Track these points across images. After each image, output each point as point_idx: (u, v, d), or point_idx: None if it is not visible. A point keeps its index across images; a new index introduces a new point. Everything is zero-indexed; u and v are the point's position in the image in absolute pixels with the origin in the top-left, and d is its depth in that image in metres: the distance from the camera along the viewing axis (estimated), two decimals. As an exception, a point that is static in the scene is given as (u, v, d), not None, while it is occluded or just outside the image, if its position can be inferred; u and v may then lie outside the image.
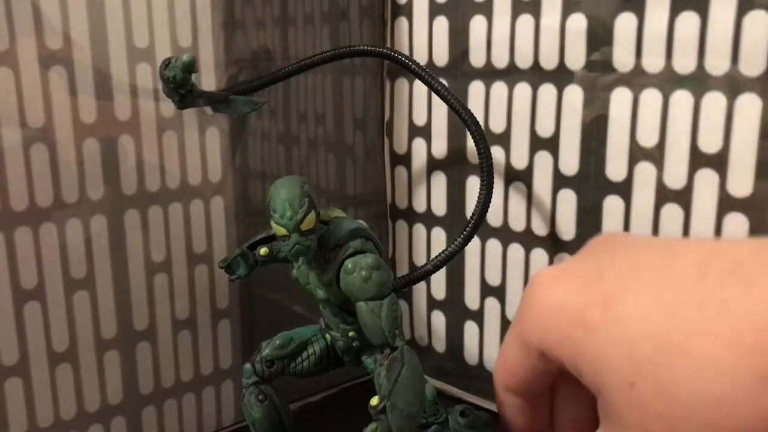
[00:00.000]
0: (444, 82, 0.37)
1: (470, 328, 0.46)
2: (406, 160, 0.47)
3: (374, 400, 0.29)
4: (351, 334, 0.32)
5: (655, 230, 0.36)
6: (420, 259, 0.48)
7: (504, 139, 0.41)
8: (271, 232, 0.31)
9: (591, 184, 0.38)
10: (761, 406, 0.20)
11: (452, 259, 0.35)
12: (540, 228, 0.41)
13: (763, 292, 0.20)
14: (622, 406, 0.23)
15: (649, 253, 0.25)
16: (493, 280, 0.44)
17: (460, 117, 0.35)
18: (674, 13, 0.34)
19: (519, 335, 0.27)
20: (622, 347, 0.23)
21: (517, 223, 0.42)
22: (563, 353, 0.25)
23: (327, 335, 0.34)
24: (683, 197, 0.35)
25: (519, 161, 0.41)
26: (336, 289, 0.30)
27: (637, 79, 0.36)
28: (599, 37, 0.36)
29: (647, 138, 0.36)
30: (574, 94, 0.38)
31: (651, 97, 0.35)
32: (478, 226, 0.35)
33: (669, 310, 0.22)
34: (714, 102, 0.33)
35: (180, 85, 0.31)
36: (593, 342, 0.24)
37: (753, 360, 0.20)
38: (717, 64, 0.33)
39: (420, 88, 0.45)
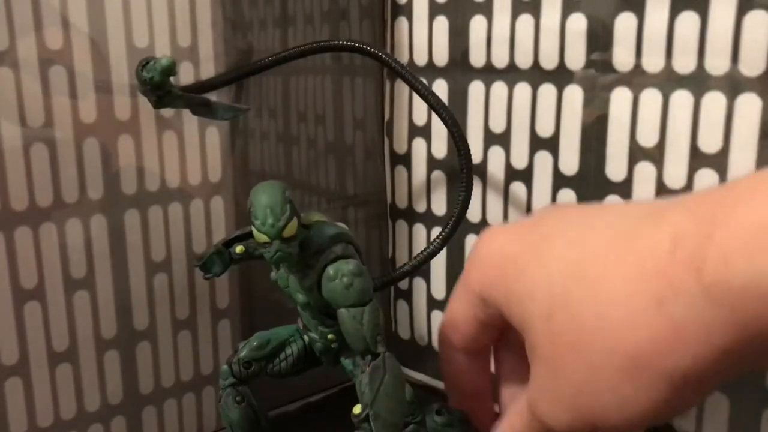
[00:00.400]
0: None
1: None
2: (406, 160, 0.47)
3: (357, 409, 0.29)
4: (330, 336, 0.32)
5: (655, 230, 0.36)
6: (420, 259, 0.48)
7: (504, 139, 0.41)
8: (247, 229, 0.31)
9: (591, 184, 0.38)
10: (655, 329, 0.21)
11: (431, 259, 0.35)
12: (540, 228, 0.41)
13: (670, 228, 0.22)
14: (540, 338, 0.25)
15: (580, 207, 0.28)
16: (493, 280, 0.44)
17: (440, 116, 0.35)
18: (674, 13, 0.34)
19: (463, 285, 0.29)
20: (543, 282, 0.25)
21: (517, 223, 0.42)
22: (497, 295, 0.27)
23: (305, 336, 0.34)
24: (683, 197, 0.35)
25: (519, 161, 0.41)
26: (317, 294, 0.30)
27: (637, 79, 0.36)
28: (599, 37, 0.36)
29: (647, 138, 0.36)
30: (574, 94, 0.38)
31: (651, 97, 0.35)
32: (457, 226, 0.35)
33: (587, 248, 0.24)
34: (714, 102, 0.33)
35: (157, 87, 0.31)
36: (521, 281, 0.26)
37: (651, 285, 0.22)
38: (717, 64, 0.33)
39: (420, 88, 0.45)
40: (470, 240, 0.44)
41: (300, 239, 0.29)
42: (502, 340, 0.31)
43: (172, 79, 0.32)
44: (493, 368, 0.32)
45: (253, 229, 0.28)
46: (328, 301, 0.30)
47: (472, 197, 0.44)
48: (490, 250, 0.28)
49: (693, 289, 0.21)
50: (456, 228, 0.35)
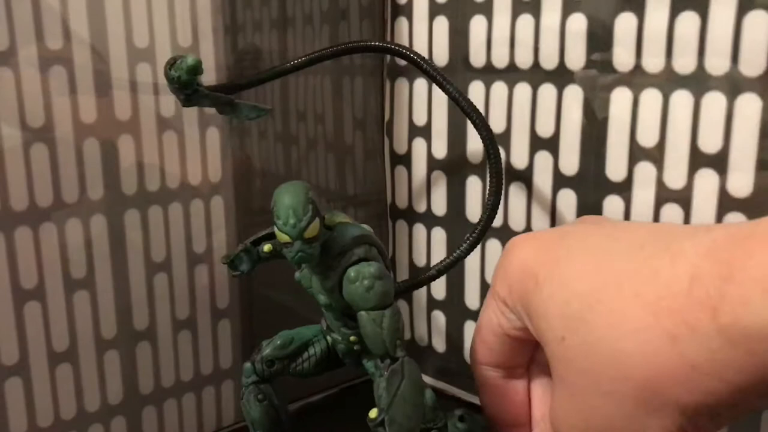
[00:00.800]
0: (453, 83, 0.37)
1: (470, 328, 0.45)
2: (406, 160, 0.47)
3: (373, 413, 0.29)
4: (352, 338, 0.32)
5: (655, 230, 0.36)
6: (420, 260, 0.48)
7: (504, 139, 0.41)
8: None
9: (591, 184, 0.38)
10: (668, 364, 0.22)
11: (457, 264, 0.35)
12: (540, 228, 0.41)
13: (689, 267, 0.22)
14: (554, 358, 0.26)
15: (606, 226, 0.28)
16: (493, 280, 0.44)
17: (472, 120, 0.34)
18: (674, 13, 0.34)
19: (492, 294, 0.30)
20: (558, 303, 0.25)
21: (517, 223, 0.42)
22: (519, 307, 0.27)
23: (328, 337, 0.34)
24: (683, 197, 0.35)
25: (519, 161, 0.41)
26: (338, 295, 0.30)
27: (637, 79, 0.36)
28: (599, 37, 0.36)
29: (647, 138, 0.36)
30: (574, 94, 0.38)
31: (651, 97, 0.35)
32: (486, 231, 0.35)
33: (604, 273, 0.24)
34: (714, 102, 0.33)
35: (185, 86, 0.31)
36: (539, 296, 0.26)
37: (667, 321, 0.22)
38: (717, 64, 0.33)
39: (420, 88, 0.45)
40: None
41: (322, 240, 0.29)
42: (534, 360, 0.31)
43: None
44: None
45: (275, 229, 0.28)
46: (349, 303, 0.30)
47: (472, 197, 0.44)
48: (514, 261, 0.28)
49: (708, 328, 0.21)
50: (484, 233, 0.35)
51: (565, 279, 0.26)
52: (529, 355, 0.30)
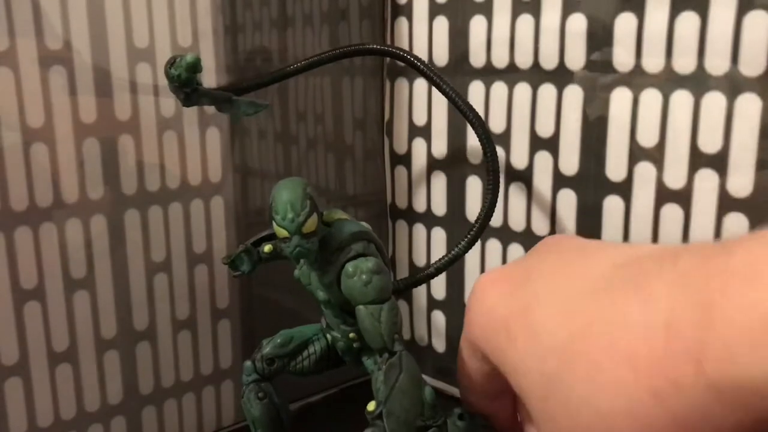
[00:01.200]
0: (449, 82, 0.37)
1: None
2: (406, 160, 0.47)
3: (371, 406, 0.29)
4: (351, 335, 0.32)
5: (655, 230, 0.36)
6: (420, 259, 0.48)
7: (504, 139, 0.41)
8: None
9: (591, 184, 0.38)
10: (653, 422, 0.21)
11: (455, 263, 0.35)
12: (540, 228, 0.41)
13: (663, 309, 0.21)
14: (538, 417, 0.25)
15: (571, 259, 0.26)
16: (493, 280, 0.44)
17: (468, 119, 0.35)
18: (674, 13, 0.34)
19: (465, 338, 0.29)
20: (535, 360, 0.24)
21: (517, 223, 0.42)
22: (493, 356, 0.27)
23: (328, 335, 0.34)
24: (683, 197, 0.35)
25: (519, 161, 0.41)
26: (337, 291, 0.30)
27: (637, 79, 0.36)
28: (599, 37, 0.36)
29: (647, 138, 0.36)
30: (574, 94, 0.38)
31: (651, 97, 0.35)
32: (483, 229, 0.35)
33: (576, 321, 0.23)
34: (714, 102, 0.33)
35: (185, 84, 0.31)
36: (513, 350, 0.25)
37: (647, 376, 0.20)
38: (717, 64, 0.33)
39: (420, 88, 0.45)
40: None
41: (321, 236, 0.29)
42: None
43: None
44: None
45: (274, 224, 0.28)
46: (347, 298, 0.30)
47: (472, 197, 0.44)
48: (483, 306, 0.28)
49: (695, 384, 0.19)
50: (482, 230, 0.35)
51: (537, 331, 0.24)
52: (507, 383, 0.29)
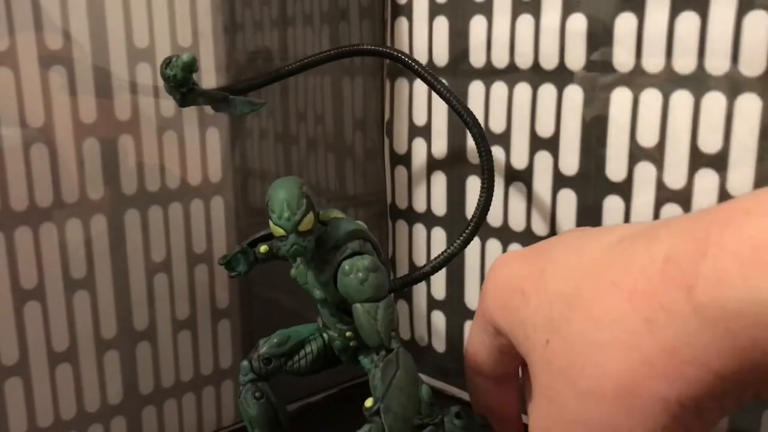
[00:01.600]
0: (444, 82, 0.37)
1: (470, 327, 0.45)
2: (406, 160, 0.47)
3: (368, 402, 0.29)
4: (348, 334, 0.32)
5: (655, 230, 0.36)
6: (420, 259, 0.48)
7: (504, 139, 0.41)
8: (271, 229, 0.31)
9: (591, 184, 0.38)
10: (646, 352, 0.21)
11: (451, 261, 0.35)
12: (540, 228, 0.41)
13: (663, 247, 0.21)
14: (537, 365, 0.25)
15: (589, 231, 0.27)
16: (493, 280, 0.44)
17: (462, 118, 0.35)
18: (674, 13, 0.34)
19: (478, 313, 0.29)
20: (544, 309, 0.25)
21: (517, 223, 0.42)
22: (504, 324, 0.27)
23: (324, 334, 0.34)
24: (683, 197, 0.35)
25: (519, 161, 0.41)
26: (333, 289, 0.30)
27: (637, 79, 0.36)
28: (599, 37, 0.36)
29: (647, 138, 0.36)
30: (574, 94, 0.38)
31: (651, 97, 0.35)
32: (479, 227, 0.35)
33: (584, 270, 0.24)
34: (714, 102, 0.33)
35: (181, 84, 0.31)
36: (526, 307, 0.26)
37: (642, 305, 0.21)
38: (717, 64, 0.33)
39: (420, 88, 0.45)
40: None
41: (317, 235, 0.29)
42: (525, 369, 0.30)
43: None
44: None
45: (271, 222, 0.28)
46: (344, 296, 0.30)
47: (472, 197, 0.44)
48: (500, 276, 0.28)
49: (685, 310, 0.20)
50: (477, 229, 0.35)
51: (548, 285, 0.25)
52: (516, 363, 0.30)
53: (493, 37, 0.41)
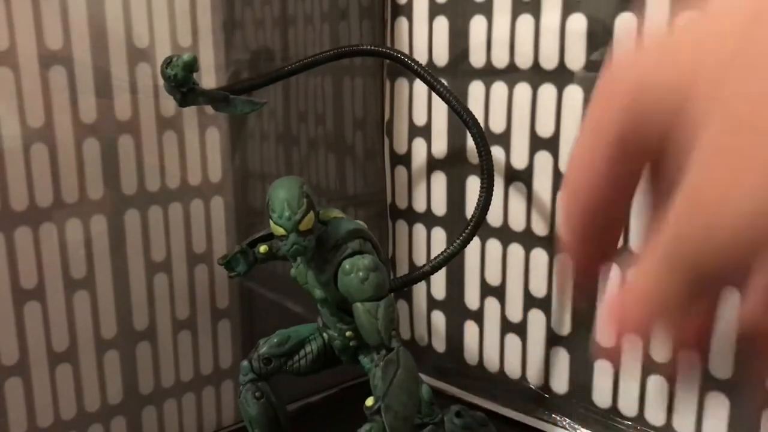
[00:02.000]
0: (443, 81, 0.37)
1: (470, 327, 0.46)
2: (406, 160, 0.47)
3: (369, 401, 0.29)
4: (348, 333, 0.32)
5: (655, 230, 0.36)
6: (420, 259, 0.48)
7: (504, 139, 0.41)
8: (270, 229, 0.31)
9: (591, 184, 0.38)
10: None
11: (451, 261, 0.35)
12: (540, 228, 0.41)
13: None
14: (703, 112, 0.19)
15: None
16: (493, 280, 0.44)
17: (461, 118, 0.35)
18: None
19: (599, 112, 0.23)
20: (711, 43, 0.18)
21: (517, 223, 0.42)
22: (671, 80, 0.20)
23: (324, 334, 0.34)
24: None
25: (519, 161, 0.41)
26: (333, 289, 0.30)
27: (637, 79, 0.35)
28: (599, 37, 0.36)
29: (647, 138, 0.36)
30: (574, 94, 0.38)
31: (651, 97, 0.35)
32: (478, 227, 0.35)
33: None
34: (714, 102, 0.33)
35: (181, 84, 0.31)
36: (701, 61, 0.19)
37: None
38: (717, 64, 0.33)
39: (420, 88, 0.45)
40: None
41: (317, 234, 0.29)
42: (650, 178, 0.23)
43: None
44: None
45: (271, 222, 0.28)
46: (344, 295, 0.30)
47: (472, 197, 0.44)
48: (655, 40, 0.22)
49: None
50: (477, 228, 0.35)
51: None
52: (638, 179, 0.23)
53: (493, 37, 0.41)
